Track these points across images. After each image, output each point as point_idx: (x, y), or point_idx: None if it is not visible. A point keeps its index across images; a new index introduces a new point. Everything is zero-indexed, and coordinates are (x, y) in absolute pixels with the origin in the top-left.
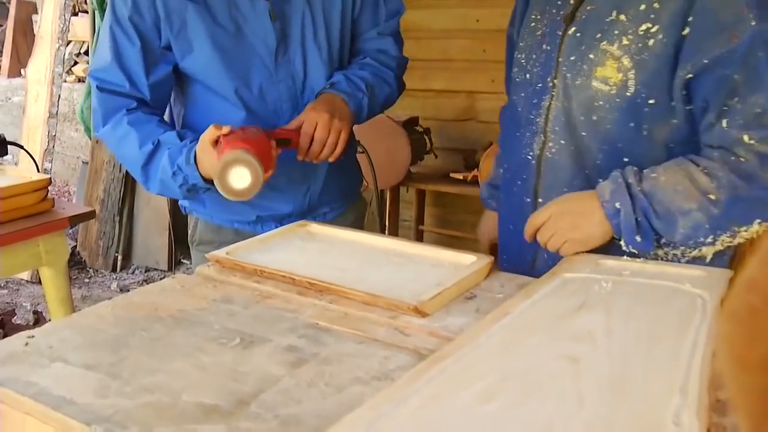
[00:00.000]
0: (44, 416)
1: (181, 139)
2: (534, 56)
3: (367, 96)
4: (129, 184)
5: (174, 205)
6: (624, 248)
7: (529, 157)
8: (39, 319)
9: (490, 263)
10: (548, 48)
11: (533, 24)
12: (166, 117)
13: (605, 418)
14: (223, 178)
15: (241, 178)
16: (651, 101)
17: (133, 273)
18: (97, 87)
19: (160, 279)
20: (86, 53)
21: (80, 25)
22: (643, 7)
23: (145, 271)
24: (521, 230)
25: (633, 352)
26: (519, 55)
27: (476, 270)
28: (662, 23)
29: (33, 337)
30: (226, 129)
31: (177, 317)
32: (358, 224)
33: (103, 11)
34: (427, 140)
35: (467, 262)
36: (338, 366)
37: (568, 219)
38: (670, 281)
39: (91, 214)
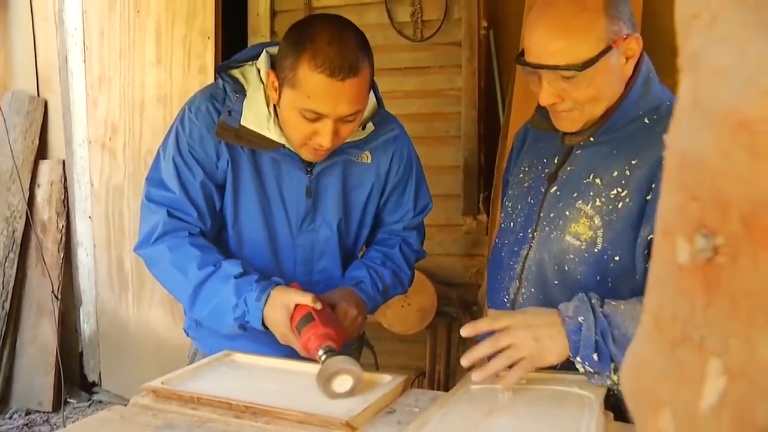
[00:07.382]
0: None
1: (245, 271)
2: (519, 206)
3: (382, 300)
4: (12, 320)
5: (62, 342)
6: (580, 367)
7: (505, 300)
8: None
9: (403, 381)
10: (532, 202)
11: (521, 175)
12: None
13: None
14: (327, 386)
15: (343, 384)
16: (616, 258)
17: (11, 418)
18: (167, 212)
19: (44, 422)
20: None
21: None
22: (615, 173)
23: (26, 414)
24: None
25: None
26: (507, 203)
27: (394, 387)
28: (630, 189)
29: None
30: (319, 305)
31: None
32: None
33: None
34: None
35: (384, 380)
36: None
37: (528, 331)
38: (561, 386)
39: None
